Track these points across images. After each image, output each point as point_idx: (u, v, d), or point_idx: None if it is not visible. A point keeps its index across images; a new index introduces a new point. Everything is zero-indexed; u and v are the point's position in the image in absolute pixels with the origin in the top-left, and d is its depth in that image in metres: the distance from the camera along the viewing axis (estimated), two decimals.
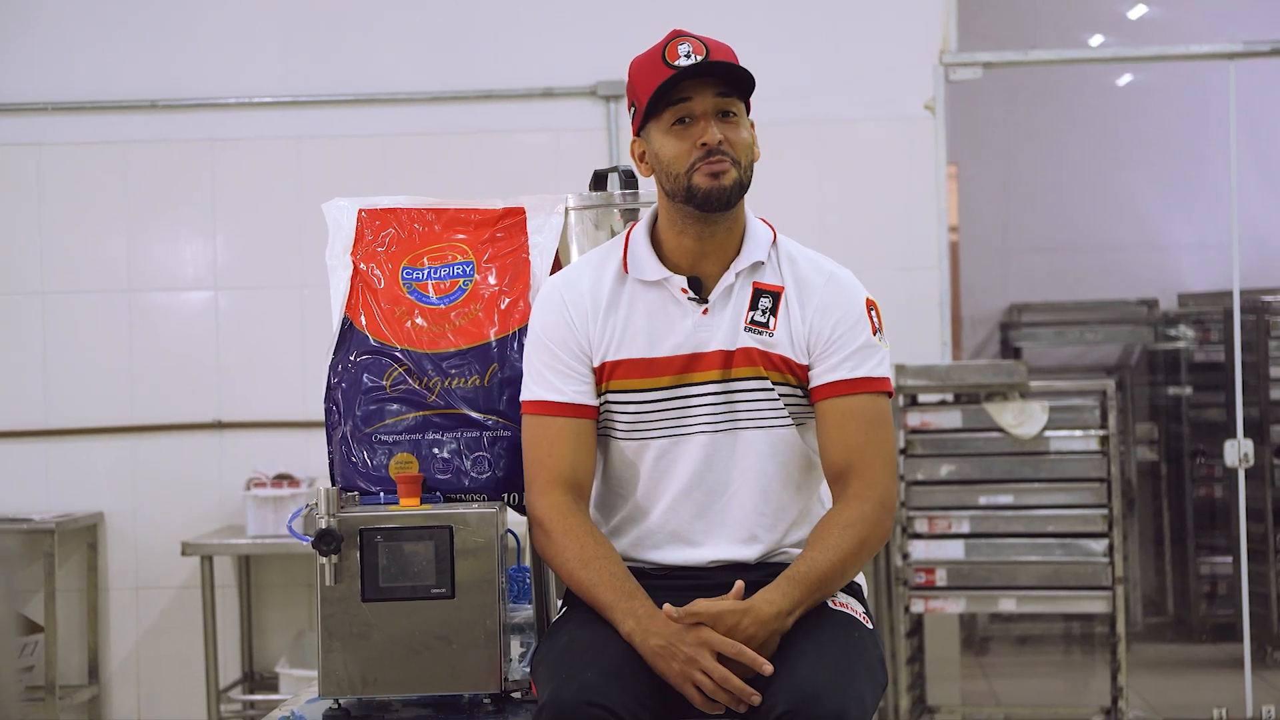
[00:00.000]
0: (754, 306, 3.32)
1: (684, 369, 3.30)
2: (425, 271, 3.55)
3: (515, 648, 3.43)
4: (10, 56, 7.18)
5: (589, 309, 3.35)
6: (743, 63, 3.31)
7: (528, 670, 3.34)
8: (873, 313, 3.37)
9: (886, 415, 3.37)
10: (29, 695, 6.81)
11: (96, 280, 7.17)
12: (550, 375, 3.34)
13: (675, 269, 3.34)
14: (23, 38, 7.18)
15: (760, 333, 3.30)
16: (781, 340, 3.30)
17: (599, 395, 3.36)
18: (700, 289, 3.32)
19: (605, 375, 3.34)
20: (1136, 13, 10.27)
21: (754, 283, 3.34)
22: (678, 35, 3.26)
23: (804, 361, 3.32)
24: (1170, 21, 10.02)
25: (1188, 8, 10.00)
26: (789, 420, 3.33)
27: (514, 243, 3.58)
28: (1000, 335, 10.03)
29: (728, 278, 3.32)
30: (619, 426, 3.35)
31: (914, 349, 6.84)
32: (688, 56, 3.22)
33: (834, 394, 3.31)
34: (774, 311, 3.32)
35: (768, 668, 3.04)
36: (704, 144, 3.23)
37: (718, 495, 3.32)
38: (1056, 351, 10.00)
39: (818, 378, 3.32)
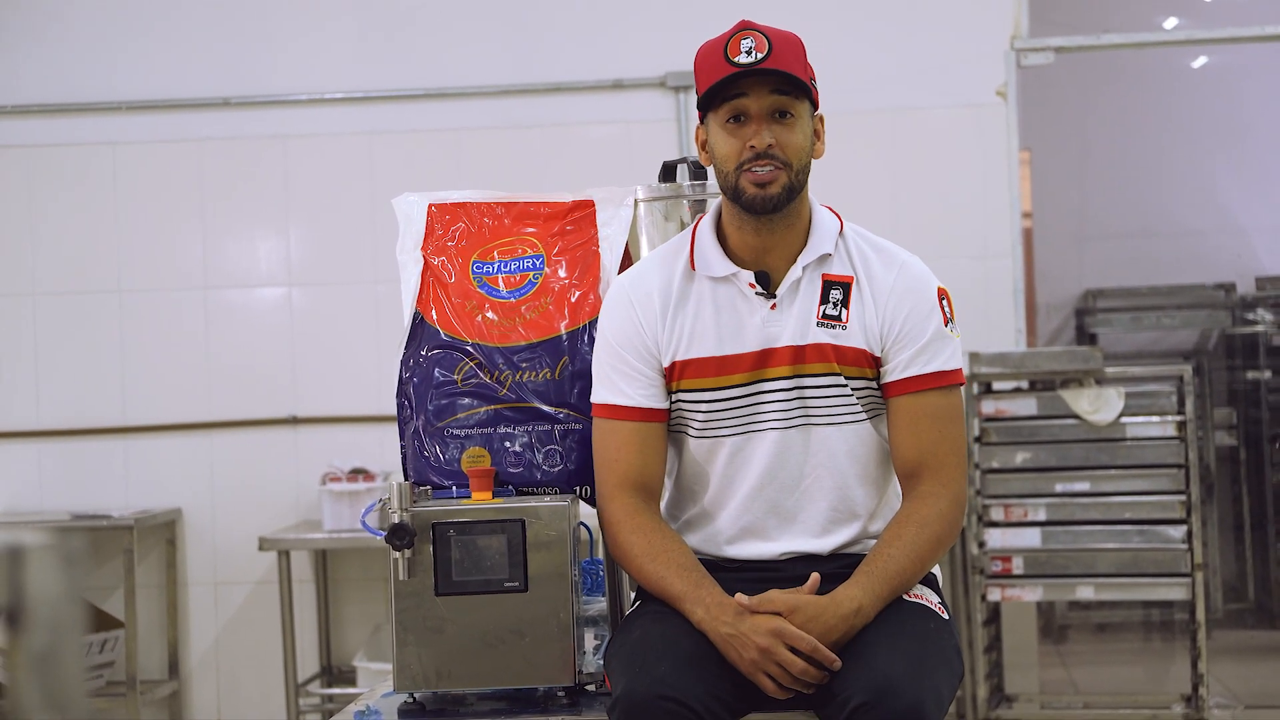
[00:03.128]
0: (825, 300, 3.28)
1: (756, 366, 3.27)
2: (495, 265, 3.55)
3: (589, 640, 3.43)
4: (84, 56, 7.23)
5: (657, 309, 3.33)
6: (812, 52, 3.28)
7: (602, 663, 3.34)
8: (944, 302, 3.33)
9: (959, 409, 3.35)
10: (110, 691, 6.86)
11: (173, 278, 7.22)
12: (617, 379, 3.33)
13: (741, 263, 3.31)
14: (95, 37, 7.24)
15: (834, 326, 3.27)
16: (855, 332, 3.27)
17: (670, 395, 3.35)
18: (768, 283, 3.29)
19: (676, 375, 3.32)
20: None
21: (823, 274, 3.30)
22: (743, 29, 3.21)
23: (878, 353, 3.29)
24: (1245, 3, 9.93)
25: None
26: (863, 415, 3.30)
27: (583, 235, 3.58)
28: (1076, 321, 9.98)
29: (794, 272, 3.28)
30: (692, 426, 3.34)
31: (988, 336, 6.82)
32: (748, 54, 3.17)
33: (907, 390, 3.28)
34: (845, 303, 3.28)
35: (837, 664, 3.03)
36: (752, 146, 3.20)
37: (790, 491, 3.30)
38: (1133, 337, 9.95)
39: (890, 373, 3.29)
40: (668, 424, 3.37)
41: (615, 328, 3.36)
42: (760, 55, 3.17)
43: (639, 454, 3.32)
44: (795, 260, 3.29)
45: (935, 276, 3.36)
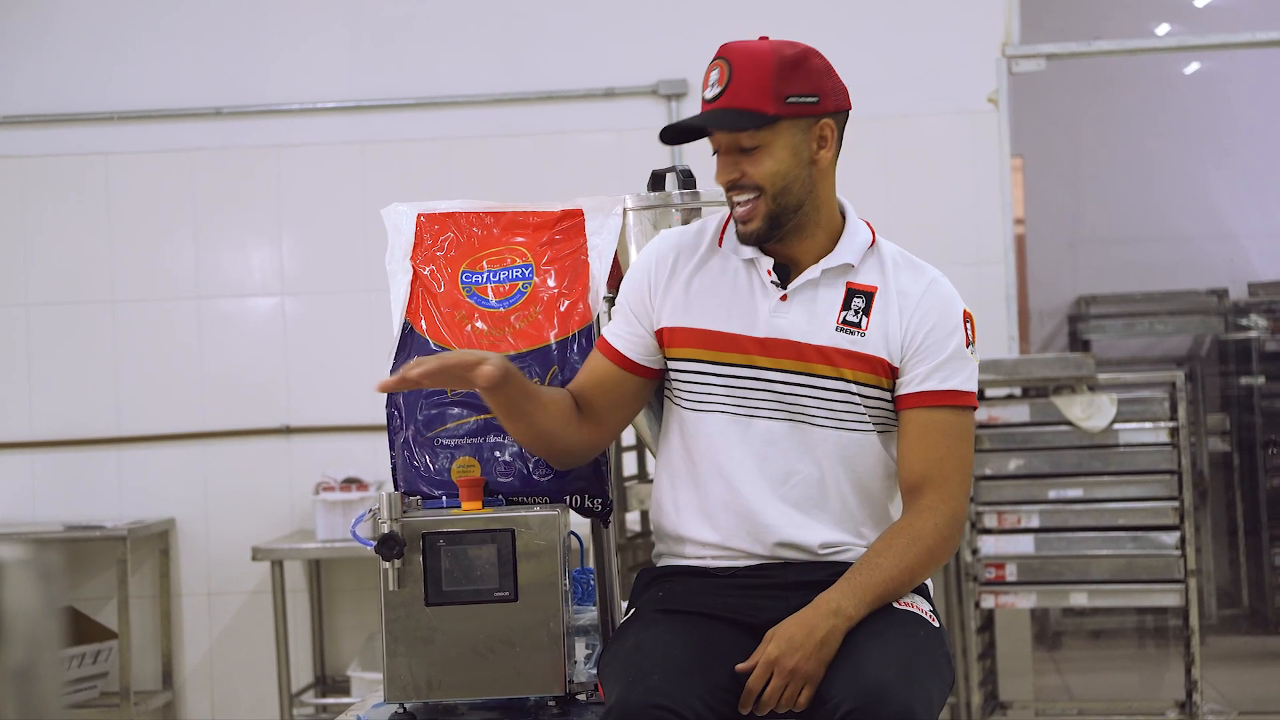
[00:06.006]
0: (846, 306, 3.28)
1: (754, 351, 3.27)
2: (484, 275, 3.56)
3: (580, 650, 3.42)
4: (76, 67, 7.24)
5: (668, 273, 3.36)
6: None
7: (593, 672, 3.33)
8: (968, 325, 3.32)
9: (970, 431, 3.32)
10: (104, 701, 6.86)
11: (166, 288, 7.22)
12: (616, 318, 3.41)
13: (768, 251, 3.32)
14: (88, 48, 7.24)
15: (853, 332, 3.26)
16: (874, 340, 3.26)
17: (666, 361, 3.37)
18: (787, 276, 3.30)
19: (672, 341, 3.34)
20: (1202, 1, 10.20)
21: (848, 283, 3.29)
22: (716, 58, 3.24)
23: (897, 362, 3.27)
24: (1237, 9, 9.95)
25: None
26: (869, 425, 3.28)
27: (572, 245, 3.58)
28: (1069, 328, 10.00)
29: (812, 272, 3.28)
30: (681, 394, 3.34)
31: (981, 343, 6.79)
32: (712, 86, 3.21)
33: (920, 404, 3.26)
34: (867, 311, 3.27)
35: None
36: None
37: (779, 484, 3.28)
38: (1126, 343, 9.96)
39: (905, 385, 3.27)
40: (658, 391, 3.42)
41: (634, 273, 3.43)
42: (718, 90, 3.20)
43: (587, 376, 3.38)
44: (819, 261, 3.30)
45: (962, 299, 3.36)
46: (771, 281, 3.29)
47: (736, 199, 3.24)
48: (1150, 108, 10.32)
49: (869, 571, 3.15)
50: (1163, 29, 10.23)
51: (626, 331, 3.37)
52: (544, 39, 7.18)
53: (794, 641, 3.05)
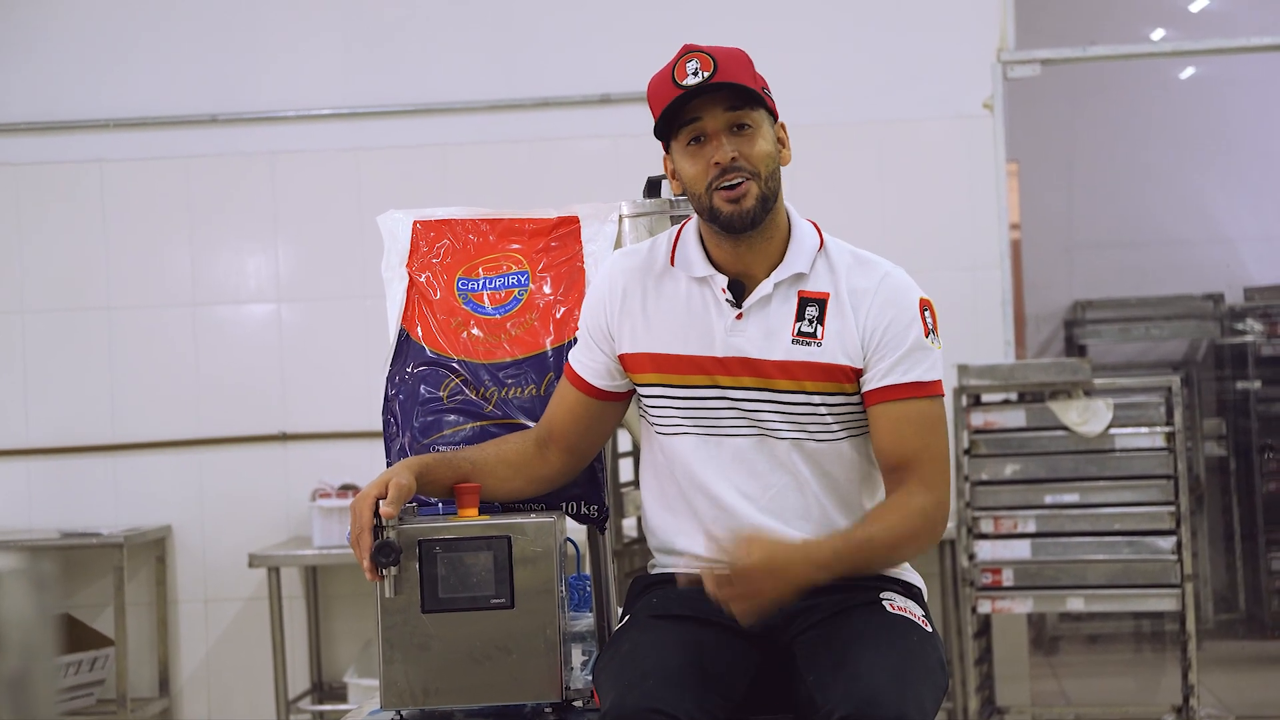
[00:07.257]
0: (800, 317, 3.26)
1: (715, 371, 3.26)
2: (480, 282, 3.56)
3: (576, 656, 3.42)
4: (71, 74, 7.24)
5: (620, 298, 3.35)
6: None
7: (589, 679, 3.33)
8: (926, 313, 3.30)
9: (941, 419, 3.31)
10: (100, 709, 6.86)
11: (161, 295, 7.22)
12: (580, 345, 3.40)
13: (720, 269, 3.31)
14: (82, 55, 7.24)
15: (809, 343, 3.24)
16: (831, 348, 3.24)
17: (631, 385, 3.37)
18: (741, 292, 3.29)
19: (635, 367, 3.34)
20: (1197, 5, 10.20)
21: (799, 291, 3.28)
22: (686, 52, 3.20)
23: (859, 364, 3.25)
24: (1232, 14, 9.96)
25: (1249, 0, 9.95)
26: (839, 432, 3.28)
27: (568, 251, 3.58)
28: (1065, 333, 10.00)
29: (764, 287, 3.27)
30: (651, 418, 3.35)
31: (977, 348, 6.82)
32: (695, 74, 3.16)
33: (886, 399, 3.24)
34: (821, 320, 3.26)
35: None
36: (717, 163, 3.19)
37: (758, 497, 3.27)
38: (1122, 348, 9.96)
39: (869, 382, 3.25)
40: (631, 413, 3.41)
41: (591, 299, 3.42)
42: (707, 74, 3.16)
43: (558, 403, 3.39)
44: (771, 273, 3.29)
45: (919, 288, 3.34)
46: (726, 300, 3.28)
47: (729, 183, 3.20)
48: (1145, 113, 10.33)
49: (847, 533, 3.18)
50: (1158, 34, 10.23)
51: (590, 359, 3.38)
52: (539, 45, 7.18)
53: (775, 560, 3.02)
